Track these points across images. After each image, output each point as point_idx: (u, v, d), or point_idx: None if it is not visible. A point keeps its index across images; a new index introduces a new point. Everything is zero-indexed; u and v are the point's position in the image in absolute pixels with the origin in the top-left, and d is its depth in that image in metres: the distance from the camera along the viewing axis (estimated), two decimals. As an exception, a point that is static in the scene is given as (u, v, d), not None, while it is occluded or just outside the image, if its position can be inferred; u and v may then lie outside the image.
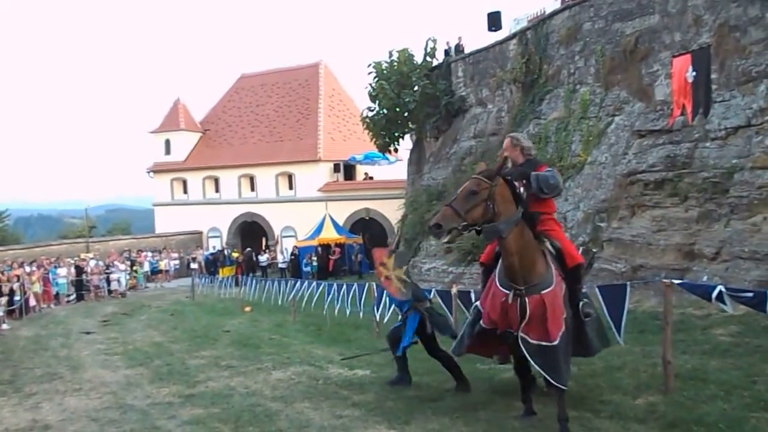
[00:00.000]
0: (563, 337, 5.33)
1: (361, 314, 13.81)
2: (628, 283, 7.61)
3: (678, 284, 6.98)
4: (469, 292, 9.98)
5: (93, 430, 6.52)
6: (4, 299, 16.57)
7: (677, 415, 5.57)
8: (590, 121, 16.21)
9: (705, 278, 10.42)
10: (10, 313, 17.35)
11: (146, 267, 32.14)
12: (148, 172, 40.72)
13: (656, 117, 13.33)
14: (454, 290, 10.01)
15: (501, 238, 5.37)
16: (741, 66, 11.70)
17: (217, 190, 38.83)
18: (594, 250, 13.93)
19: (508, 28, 23.42)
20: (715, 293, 6.11)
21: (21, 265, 22.02)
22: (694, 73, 9.42)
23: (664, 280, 6.83)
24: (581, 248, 14.15)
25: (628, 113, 14.88)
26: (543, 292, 5.35)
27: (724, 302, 6.09)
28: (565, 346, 5.39)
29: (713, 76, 11.07)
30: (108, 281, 26.76)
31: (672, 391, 6.32)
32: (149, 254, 33.69)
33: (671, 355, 6.54)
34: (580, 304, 5.75)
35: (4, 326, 15.65)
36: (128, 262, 29.84)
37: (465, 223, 5.26)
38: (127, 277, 28.27)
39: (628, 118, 14.75)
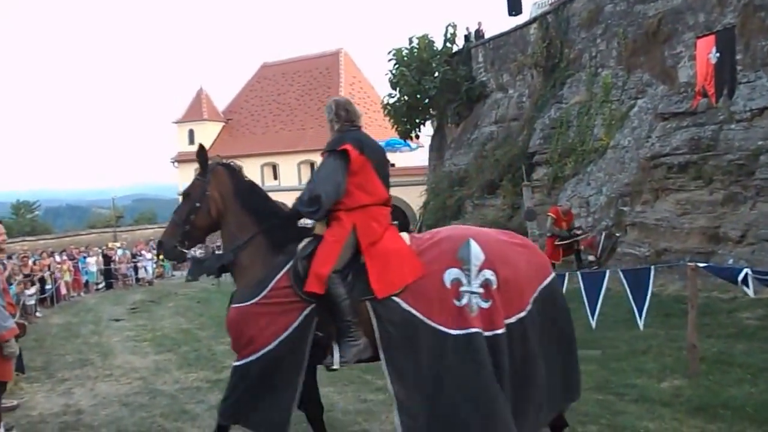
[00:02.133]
0: (246, 368, 4.12)
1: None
2: (652, 266, 7.58)
3: (703, 267, 6.96)
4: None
5: (124, 415, 6.63)
6: (36, 288, 16.89)
7: (703, 398, 5.58)
8: (612, 105, 16.04)
9: (731, 261, 10.33)
10: (41, 301, 17.68)
11: (172, 255, 32.41)
12: (173, 162, 41.12)
13: (680, 99, 13.16)
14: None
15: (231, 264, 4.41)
16: (766, 46, 11.50)
17: (240, 179, 38.92)
18: (617, 234, 13.86)
19: (528, 12, 23.25)
20: (741, 276, 6.08)
21: (51, 255, 22.40)
22: (718, 54, 9.30)
23: (689, 264, 6.81)
24: (604, 233, 14.10)
25: (651, 96, 14.71)
26: (234, 305, 4.26)
27: (749, 286, 6.06)
28: (255, 380, 4.10)
29: (738, 57, 10.90)
30: (135, 269, 27.10)
31: (697, 374, 6.32)
32: (175, 243, 33.97)
33: (696, 338, 6.53)
34: (332, 360, 4.10)
35: (37, 314, 15.97)
36: (155, 251, 30.17)
37: (188, 232, 4.46)
38: (154, 265, 28.61)
39: (651, 101, 14.58)
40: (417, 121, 26.37)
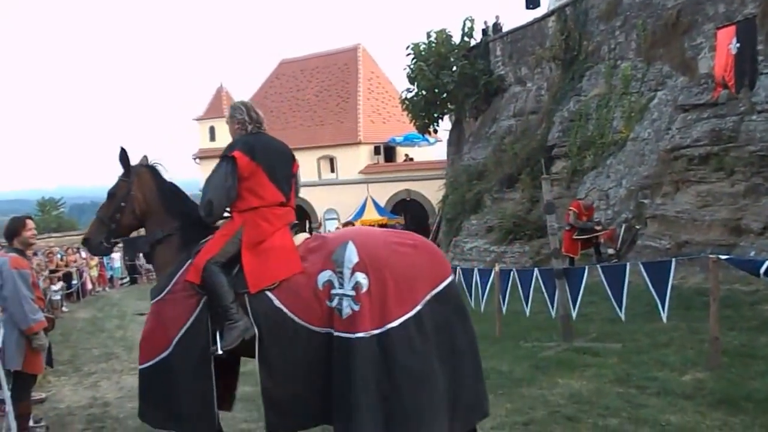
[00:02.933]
0: (156, 368, 4.25)
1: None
2: (673, 259, 7.56)
3: (725, 260, 6.92)
4: (511, 270, 10.04)
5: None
6: (62, 283, 17.16)
7: (726, 391, 5.55)
8: (632, 97, 15.95)
9: (752, 253, 10.25)
10: (68, 296, 17.96)
11: (194, 251, 32.70)
12: (194, 158, 41.44)
13: (700, 91, 13.04)
14: (496, 269, 10.07)
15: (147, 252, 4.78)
16: (788, 36, 11.36)
17: (260, 175, 39.17)
18: (637, 226, 13.78)
19: (546, 5, 23.13)
20: (763, 268, 6.03)
21: (77, 251, 22.70)
22: (738, 45, 9.24)
23: (711, 256, 6.77)
24: (624, 225, 14.03)
25: (671, 87, 14.60)
26: (152, 300, 4.44)
27: (772, 278, 6.02)
28: (159, 379, 4.23)
29: (759, 47, 10.79)
30: (158, 265, 27.34)
31: (720, 367, 6.29)
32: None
33: (718, 331, 6.49)
34: (216, 346, 4.04)
35: (63, 309, 16.23)
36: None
37: (114, 230, 4.69)
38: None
39: (671, 93, 14.47)
40: (435, 115, 26.39)
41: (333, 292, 3.87)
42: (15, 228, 5.76)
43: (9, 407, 5.34)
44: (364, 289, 3.79)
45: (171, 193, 4.73)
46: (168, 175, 4.87)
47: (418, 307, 3.80)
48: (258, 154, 4.24)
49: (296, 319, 3.93)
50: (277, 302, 3.98)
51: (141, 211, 4.65)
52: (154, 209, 4.64)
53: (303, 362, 3.92)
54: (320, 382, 3.89)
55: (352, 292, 3.81)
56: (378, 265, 3.85)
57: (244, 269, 4.10)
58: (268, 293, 4.01)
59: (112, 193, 4.72)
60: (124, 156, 4.71)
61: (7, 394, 5.34)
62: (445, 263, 4.13)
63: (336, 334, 3.81)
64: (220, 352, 4.01)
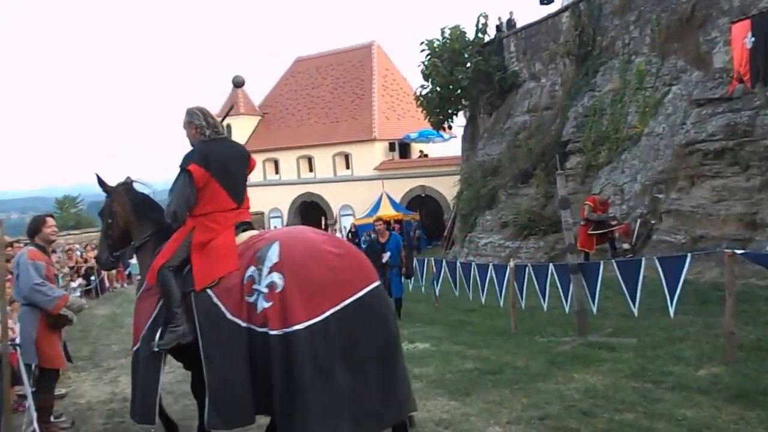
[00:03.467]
0: (135, 356, 4.69)
1: (422, 289, 14.02)
2: (689, 254, 7.54)
3: (740, 254, 6.90)
4: (526, 266, 10.06)
5: (168, 402, 6.74)
6: (81, 280, 17.36)
7: (742, 386, 5.52)
8: (646, 92, 15.84)
9: (769, 248, 10.20)
10: (87, 292, 18.16)
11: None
12: (210, 156, 41.74)
13: (715, 85, 12.94)
14: (511, 264, 10.09)
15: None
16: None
17: (276, 172, 39.43)
18: (652, 221, 13.73)
19: (560, 0, 23.02)
20: (779, 263, 6.03)
21: (95, 248, 22.95)
22: (753, 39, 9.18)
23: (726, 251, 6.74)
24: (639, 220, 13.98)
25: (686, 82, 14.50)
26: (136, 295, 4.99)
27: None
28: (139, 367, 4.63)
29: (775, 41, 10.71)
30: (175, 262, 27.48)
31: (735, 362, 6.26)
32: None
33: (734, 326, 6.47)
34: (154, 342, 4.45)
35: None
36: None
37: (112, 244, 5.23)
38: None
39: (686, 87, 14.37)
40: (449, 111, 26.34)
41: (254, 287, 4.09)
42: (36, 225, 5.98)
43: (30, 402, 5.46)
44: (278, 289, 3.97)
45: (142, 203, 5.22)
46: (143, 189, 5.40)
47: (328, 313, 3.92)
48: (212, 164, 4.51)
49: (228, 315, 4.15)
50: (215, 299, 4.22)
51: (124, 222, 5.17)
52: (132, 219, 5.14)
53: (239, 358, 4.07)
54: (251, 377, 4.07)
55: (265, 290, 4.01)
56: (294, 267, 4.01)
57: (192, 269, 4.41)
58: (209, 291, 4.28)
59: (101, 213, 5.34)
60: (101, 181, 5.31)
61: (28, 390, 5.46)
62: (369, 271, 4.24)
63: (253, 327, 4.03)
64: (156, 348, 4.41)
